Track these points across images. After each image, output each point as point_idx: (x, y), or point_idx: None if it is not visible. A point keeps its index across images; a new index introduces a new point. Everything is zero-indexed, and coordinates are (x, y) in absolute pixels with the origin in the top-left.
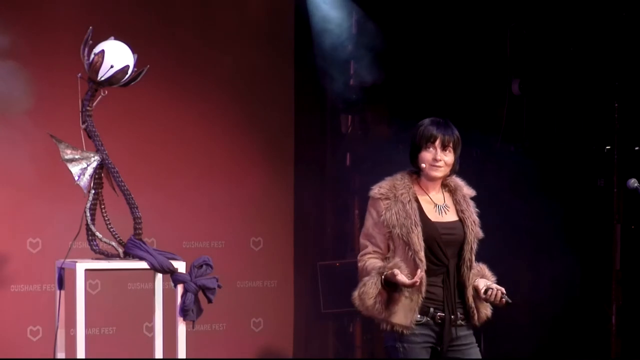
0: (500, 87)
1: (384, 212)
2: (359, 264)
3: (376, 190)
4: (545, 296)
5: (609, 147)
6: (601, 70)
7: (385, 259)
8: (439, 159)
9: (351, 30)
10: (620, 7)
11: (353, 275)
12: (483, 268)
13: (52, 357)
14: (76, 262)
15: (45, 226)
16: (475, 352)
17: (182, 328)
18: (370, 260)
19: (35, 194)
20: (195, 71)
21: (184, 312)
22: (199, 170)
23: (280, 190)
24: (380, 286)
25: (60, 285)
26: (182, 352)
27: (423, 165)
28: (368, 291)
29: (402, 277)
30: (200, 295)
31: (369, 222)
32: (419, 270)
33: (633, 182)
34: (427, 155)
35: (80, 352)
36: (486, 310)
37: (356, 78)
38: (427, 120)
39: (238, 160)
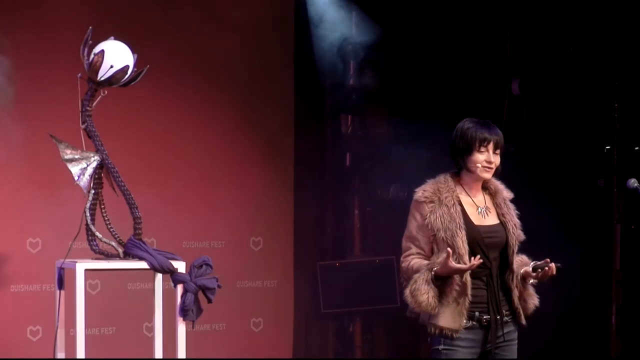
0: (500, 87)
1: (428, 215)
2: (403, 265)
3: (420, 193)
4: (545, 296)
5: (609, 147)
6: (601, 70)
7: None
8: (492, 161)
9: (351, 30)
10: (620, 7)
11: (353, 275)
12: (523, 258)
13: (52, 357)
14: (76, 262)
15: (45, 226)
16: (512, 350)
17: (182, 328)
18: (415, 260)
19: (35, 194)
20: (195, 71)
21: (184, 312)
22: (199, 170)
23: (280, 190)
24: (431, 281)
25: (60, 285)
26: (182, 352)
27: (478, 165)
28: (420, 287)
29: (456, 264)
30: (200, 295)
31: (412, 225)
32: (477, 257)
33: (633, 182)
34: (480, 157)
35: (80, 352)
36: (533, 300)
37: (356, 78)
38: (470, 122)
39: (238, 160)
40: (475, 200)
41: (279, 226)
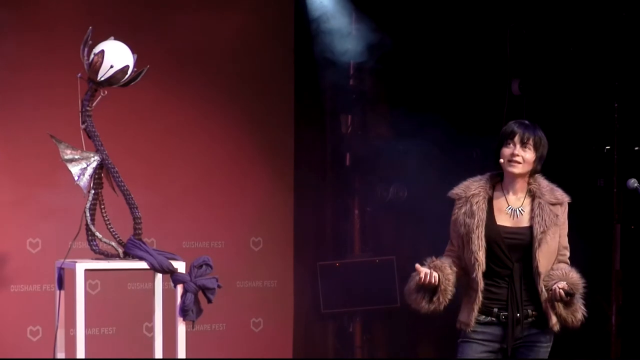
0: (500, 87)
1: (456, 211)
2: None
3: (453, 190)
4: None
5: (609, 147)
6: (601, 70)
7: (458, 257)
8: (517, 154)
9: (351, 31)
10: (620, 7)
11: (353, 275)
12: (568, 272)
13: (52, 357)
14: (76, 262)
15: (45, 226)
16: (539, 352)
17: (182, 328)
18: (439, 259)
19: (35, 194)
20: (195, 71)
21: (184, 312)
22: (199, 171)
23: (280, 190)
24: (418, 281)
25: (60, 285)
26: (182, 352)
27: (502, 160)
28: (412, 287)
29: (419, 268)
30: (200, 295)
31: (451, 222)
32: (430, 273)
33: (633, 182)
34: (506, 150)
35: (80, 352)
36: (574, 315)
37: (356, 78)
38: (513, 121)
39: (238, 160)
40: (510, 200)
41: (279, 226)
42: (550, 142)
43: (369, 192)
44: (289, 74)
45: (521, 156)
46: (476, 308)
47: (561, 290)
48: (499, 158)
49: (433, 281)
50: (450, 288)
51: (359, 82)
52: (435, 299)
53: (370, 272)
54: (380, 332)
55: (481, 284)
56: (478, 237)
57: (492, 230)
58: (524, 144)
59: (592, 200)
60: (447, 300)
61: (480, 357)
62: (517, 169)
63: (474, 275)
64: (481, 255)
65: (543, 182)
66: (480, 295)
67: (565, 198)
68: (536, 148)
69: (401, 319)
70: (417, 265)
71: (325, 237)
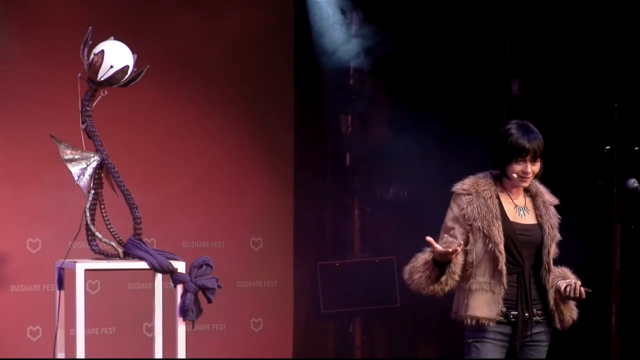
0: (500, 87)
1: (465, 206)
2: None
3: (459, 186)
4: None
5: (608, 147)
6: (601, 70)
7: (464, 251)
8: (529, 171)
9: (351, 31)
10: (620, 7)
11: (353, 275)
12: (565, 271)
13: (52, 357)
14: (76, 262)
15: (45, 226)
16: (540, 352)
17: (181, 328)
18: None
19: (35, 194)
20: (195, 71)
21: (184, 312)
22: (199, 171)
23: (280, 190)
24: (429, 262)
25: (60, 285)
26: (181, 352)
27: (514, 175)
28: (417, 266)
29: (437, 246)
30: (200, 295)
31: (448, 217)
32: (454, 246)
33: (633, 182)
34: (517, 167)
35: (80, 352)
36: (571, 313)
37: (356, 78)
38: (515, 128)
39: (238, 160)
40: (514, 200)
41: (279, 226)
42: (550, 142)
43: (369, 192)
44: (289, 74)
45: (532, 171)
46: (501, 301)
47: (581, 288)
48: (504, 168)
49: (457, 250)
50: (457, 272)
51: (359, 82)
52: (443, 279)
53: (370, 272)
54: (380, 332)
55: (505, 276)
56: (498, 230)
57: (507, 227)
58: (534, 159)
59: (592, 200)
60: (450, 286)
61: (498, 357)
62: (526, 183)
63: (499, 267)
64: (502, 248)
65: (537, 183)
66: (504, 287)
67: (556, 200)
68: (541, 157)
69: (401, 319)
70: (430, 239)
71: (325, 237)
